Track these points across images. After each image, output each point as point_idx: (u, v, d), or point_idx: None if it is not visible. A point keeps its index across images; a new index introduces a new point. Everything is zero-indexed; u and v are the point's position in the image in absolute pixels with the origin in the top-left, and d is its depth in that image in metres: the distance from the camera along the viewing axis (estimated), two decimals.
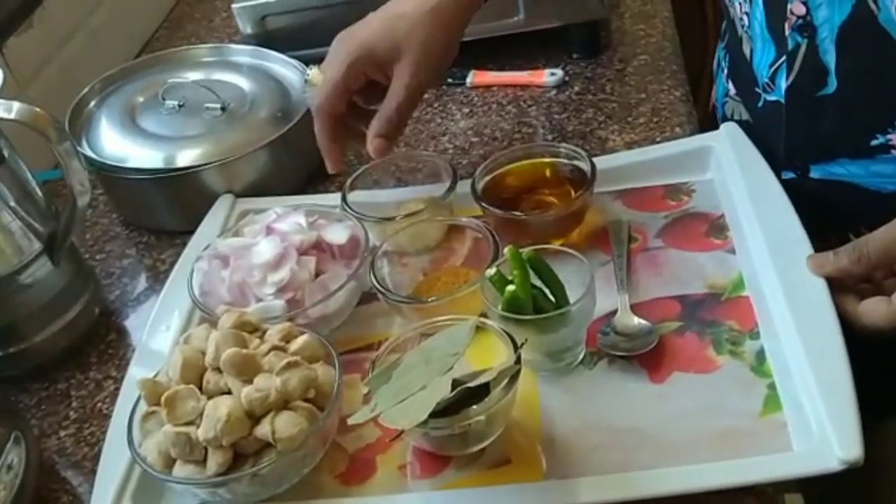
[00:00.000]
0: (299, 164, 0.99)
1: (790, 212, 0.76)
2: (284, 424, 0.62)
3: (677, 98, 1.00)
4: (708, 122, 1.00)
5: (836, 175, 0.79)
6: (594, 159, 0.84)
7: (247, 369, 0.64)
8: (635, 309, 0.74)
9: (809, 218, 0.73)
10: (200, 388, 0.66)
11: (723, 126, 0.86)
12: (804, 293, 0.69)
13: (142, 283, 0.93)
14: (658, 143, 0.94)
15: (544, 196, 0.84)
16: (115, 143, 0.97)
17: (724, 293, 0.75)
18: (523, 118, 1.02)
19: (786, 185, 0.77)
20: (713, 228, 0.81)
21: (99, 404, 0.79)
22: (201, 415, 0.63)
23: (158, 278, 0.92)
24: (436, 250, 0.83)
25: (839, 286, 0.67)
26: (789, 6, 0.71)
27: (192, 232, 0.92)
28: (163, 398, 0.63)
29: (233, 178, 0.94)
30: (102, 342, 0.85)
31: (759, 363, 0.68)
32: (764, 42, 0.77)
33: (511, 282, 0.70)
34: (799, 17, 0.71)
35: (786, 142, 0.79)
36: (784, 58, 0.75)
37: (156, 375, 0.69)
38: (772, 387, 0.67)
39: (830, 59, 0.72)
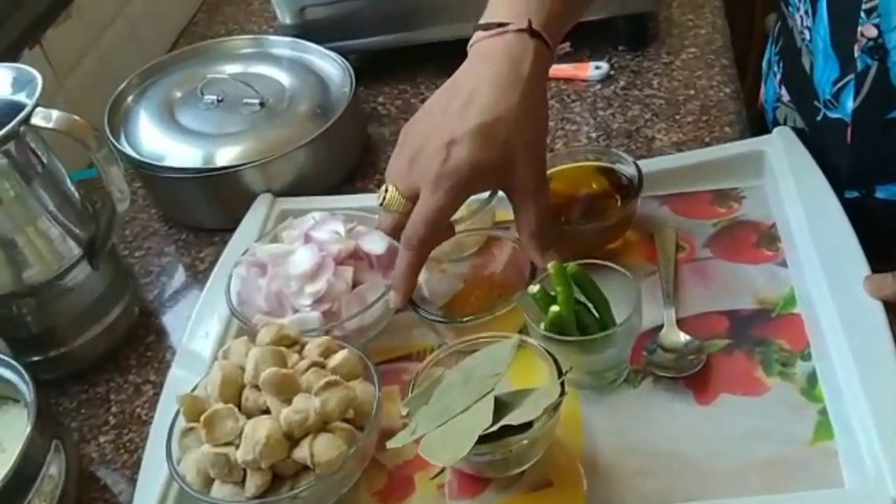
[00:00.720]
0: (339, 162, 0.98)
1: (846, 226, 0.73)
2: (323, 448, 0.61)
3: (727, 95, 0.97)
4: (755, 122, 0.96)
5: None
6: (640, 162, 0.82)
7: (286, 389, 0.63)
8: (681, 324, 0.72)
9: (872, 238, 0.70)
10: (239, 405, 0.65)
11: (776, 130, 0.83)
12: (859, 314, 0.66)
13: (181, 282, 0.92)
14: (707, 143, 0.91)
15: (589, 202, 0.82)
16: (154, 140, 0.97)
17: (775, 309, 0.72)
18: (566, 114, 1.00)
19: (849, 203, 0.74)
20: (764, 239, 0.78)
21: (138, 409, 0.79)
22: (240, 435, 0.62)
23: (197, 277, 0.92)
24: (475, 256, 0.81)
25: None
26: (860, 28, 0.68)
27: (230, 230, 0.91)
28: (202, 419, 0.62)
29: (272, 177, 0.93)
30: (141, 344, 0.85)
31: (811, 386, 0.66)
32: (826, 59, 0.73)
33: (555, 299, 0.68)
34: (870, 40, 0.67)
35: (851, 161, 0.76)
36: (850, 77, 0.71)
37: (194, 389, 0.68)
38: (823, 412, 0.65)
39: None
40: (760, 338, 0.70)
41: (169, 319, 0.88)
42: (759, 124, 0.92)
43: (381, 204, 0.71)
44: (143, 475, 0.68)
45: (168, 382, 0.74)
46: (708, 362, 0.69)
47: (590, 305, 0.69)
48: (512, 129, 0.67)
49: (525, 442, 0.61)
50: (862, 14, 0.67)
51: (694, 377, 0.68)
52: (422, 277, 0.77)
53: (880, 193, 0.76)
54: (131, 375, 0.82)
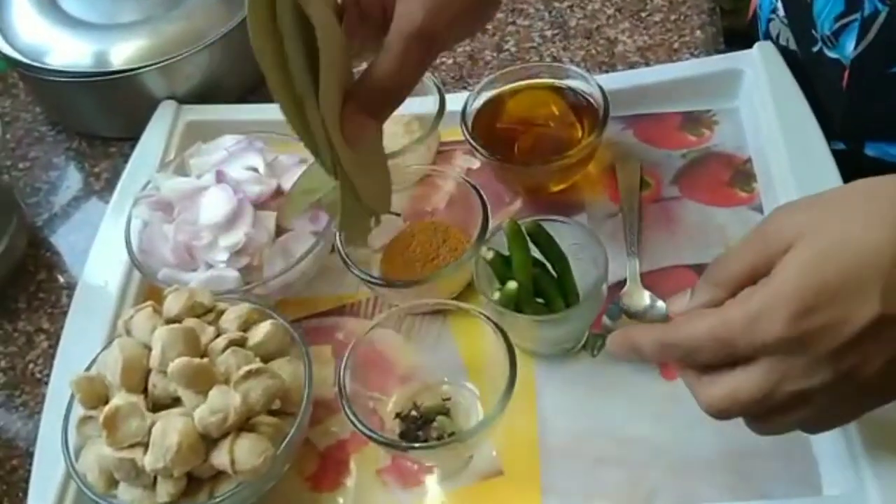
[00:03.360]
0: (253, 60, 0.84)
1: (832, 170, 0.65)
2: (246, 453, 0.53)
3: None
4: (744, 32, 0.84)
5: (894, 157, 0.67)
6: (603, 78, 0.72)
7: (200, 380, 0.55)
8: (645, 278, 0.65)
9: None
10: (145, 390, 0.56)
11: (757, 46, 0.73)
12: None
13: (73, 203, 0.80)
14: (675, 50, 0.81)
15: (547, 129, 0.72)
16: (35, 30, 0.82)
17: None
18: (518, 4, 0.87)
19: (834, 155, 0.66)
20: (737, 176, 0.70)
21: (31, 365, 0.70)
22: (149, 432, 0.54)
23: (91, 197, 0.80)
24: (416, 187, 0.71)
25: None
26: None
27: (129, 139, 0.79)
28: (101, 418, 0.53)
29: (176, 80, 0.79)
30: (32, 283, 0.74)
31: None
32: None
33: (509, 261, 0.59)
34: None
35: (844, 111, 0.67)
36: (855, 17, 0.61)
37: (91, 365, 0.59)
38: None
39: None
40: None
41: (62, 251, 0.77)
42: (748, 34, 0.81)
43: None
44: (38, 465, 0.60)
45: (62, 347, 0.65)
46: None
47: (548, 265, 0.61)
48: None
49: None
50: None
51: None
52: None
53: (870, 150, 0.68)
54: (21, 322, 0.72)
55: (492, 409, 0.54)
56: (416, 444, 0.56)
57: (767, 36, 0.74)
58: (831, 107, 0.68)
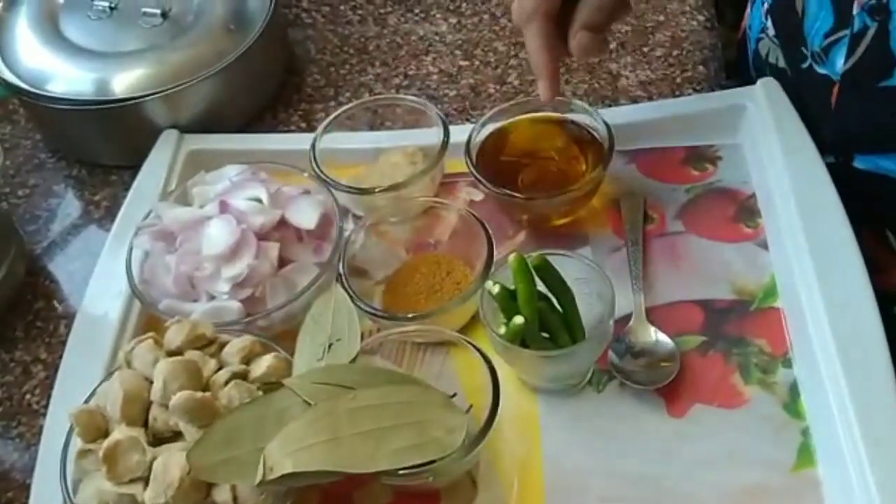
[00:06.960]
0: (256, 90, 0.85)
1: (835, 204, 0.65)
2: (248, 489, 0.52)
3: (701, 24, 0.86)
4: (737, 47, 0.85)
5: (884, 169, 0.68)
6: (607, 112, 0.72)
7: (201, 414, 0.54)
8: (651, 314, 0.65)
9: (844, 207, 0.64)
10: (146, 423, 0.56)
11: (760, 82, 0.73)
12: (849, 312, 0.60)
13: (73, 231, 0.79)
14: (678, 84, 0.81)
15: (549, 160, 0.72)
16: (36, 57, 0.81)
17: (754, 302, 0.65)
18: (521, 38, 0.87)
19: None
20: (742, 212, 0.70)
21: (28, 396, 0.69)
22: (149, 467, 0.53)
23: (91, 226, 0.79)
24: (419, 218, 0.71)
25: None
26: None
27: (129, 167, 0.79)
28: (101, 453, 0.53)
29: (178, 109, 0.79)
30: (29, 312, 0.73)
31: (793, 400, 0.60)
32: (821, 7, 0.63)
33: (515, 295, 0.59)
34: None
35: (833, 124, 0.67)
36: (845, 33, 0.62)
37: (91, 397, 0.58)
38: (806, 433, 0.58)
39: None
40: (738, 336, 0.63)
41: (60, 280, 0.76)
42: (740, 52, 0.82)
43: None
44: (35, 499, 0.59)
45: (60, 378, 0.64)
46: (681, 363, 0.62)
47: (553, 300, 0.61)
48: None
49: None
50: None
51: (665, 384, 0.61)
52: (358, 244, 0.68)
53: (859, 163, 0.68)
54: (18, 351, 0.71)
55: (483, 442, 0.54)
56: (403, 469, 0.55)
57: (756, 55, 0.75)
58: (820, 122, 0.68)
